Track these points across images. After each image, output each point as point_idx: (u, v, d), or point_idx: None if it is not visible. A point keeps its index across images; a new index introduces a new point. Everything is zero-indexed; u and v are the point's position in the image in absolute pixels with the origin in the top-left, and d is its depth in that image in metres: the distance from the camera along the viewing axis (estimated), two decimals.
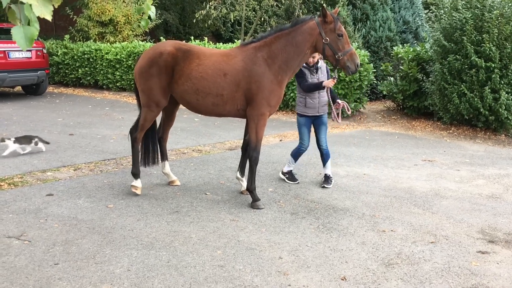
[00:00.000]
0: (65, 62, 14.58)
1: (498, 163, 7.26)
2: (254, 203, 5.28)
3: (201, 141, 8.44)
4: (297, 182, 6.16)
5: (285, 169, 6.27)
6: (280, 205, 5.35)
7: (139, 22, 15.21)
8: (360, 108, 11.04)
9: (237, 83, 5.20)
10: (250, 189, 5.34)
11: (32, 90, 13.24)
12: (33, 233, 4.44)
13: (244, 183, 5.67)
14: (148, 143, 5.93)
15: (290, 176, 6.22)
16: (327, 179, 6.07)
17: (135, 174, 5.64)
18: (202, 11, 14.41)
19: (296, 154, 6.26)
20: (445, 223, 4.89)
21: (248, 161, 5.47)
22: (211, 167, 6.80)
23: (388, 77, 11.47)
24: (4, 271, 3.76)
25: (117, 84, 13.95)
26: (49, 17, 1.96)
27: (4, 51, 11.76)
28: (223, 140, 8.56)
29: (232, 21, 16.60)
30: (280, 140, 8.68)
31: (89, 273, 3.76)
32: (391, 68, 11.20)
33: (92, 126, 9.35)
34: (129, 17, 14.84)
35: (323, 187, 5.96)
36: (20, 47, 1.86)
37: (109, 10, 14.35)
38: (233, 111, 5.39)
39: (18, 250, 4.10)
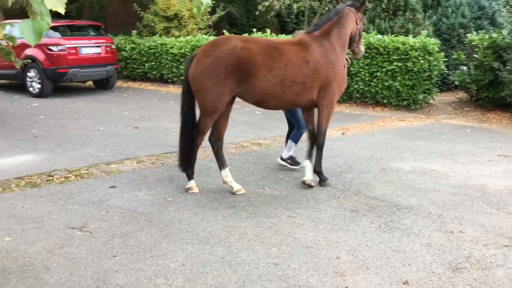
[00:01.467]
0: (133, 57, 15.02)
1: None
2: (324, 182, 5.60)
3: (262, 134, 8.36)
4: (300, 165, 6.05)
5: (286, 155, 6.26)
6: (340, 201, 5.15)
7: (202, 16, 15.37)
8: (429, 99, 10.48)
9: (318, 70, 5.24)
10: (319, 170, 5.61)
11: (102, 85, 13.77)
12: (95, 225, 4.55)
13: (308, 172, 5.58)
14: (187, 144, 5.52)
15: (293, 161, 6.26)
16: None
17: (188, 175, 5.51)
18: (265, 3, 14.28)
19: (298, 138, 6.30)
20: None
21: (316, 146, 5.60)
22: (270, 161, 6.69)
23: (461, 66, 10.79)
24: (66, 261, 3.86)
25: (181, 78, 14.13)
26: (61, 10, 1.90)
27: (76, 47, 12.29)
28: (284, 133, 8.37)
29: (296, 12, 16.33)
30: (343, 134, 8.41)
31: (145, 266, 3.78)
32: (464, 56, 10.52)
33: (156, 120, 9.55)
34: (193, 11, 15.02)
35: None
36: (28, 42, 1.80)
37: (174, 5, 14.60)
38: (307, 101, 5.39)
39: (80, 241, 4.21)
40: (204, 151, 7.26)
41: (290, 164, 6.26)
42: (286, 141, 6.43)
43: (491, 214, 4.74)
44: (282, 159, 6.33)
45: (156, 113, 10.23)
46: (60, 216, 4.75)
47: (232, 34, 6.15)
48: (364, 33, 11.26)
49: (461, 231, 4.35)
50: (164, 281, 3.56)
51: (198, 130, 5.43)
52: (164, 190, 5.49)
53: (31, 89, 12.42)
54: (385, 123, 9.20)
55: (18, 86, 13.81)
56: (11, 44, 6.16)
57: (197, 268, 3.74)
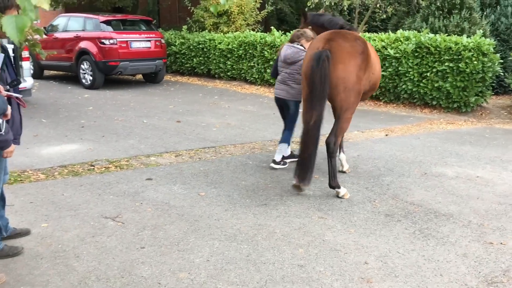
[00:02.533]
0: (182, 52, 15.25)
1: None
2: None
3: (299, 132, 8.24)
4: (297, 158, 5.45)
5: (278, 158, 6.17)
6: (375, 205, 4.99)
7: (252, 11, 15.38)
8: (482, 102, 9.99)
9: None
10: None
11: (151, 78, 14.07)
12: (127, 216, 4.64)
13: (345, 162, 6.05)
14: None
15: (290, 156, 6.29)
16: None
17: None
18: None
19: (290, 139, 6.33)
20: None
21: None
22: None
23: None
24: (96, 250, 3.95)
25: (228, 74, 14.26)
26: (46, 6, 1.89)
27: (127, 41, 12.60)
28: (326, 132, 8.25)
29: (346, 9, 16.03)
30: (386, 135, 8.16)
31: (170, 259, 3.80)
32: None
33: (199, 114, 9.65)
34: (243, 7, 15.05)
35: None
36: (11, 38, 1.80)
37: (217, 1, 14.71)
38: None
39: (111, 231, 4.30)
40: (243, 147, 7.26)
41: (289, 161, 6.21)
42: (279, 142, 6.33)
43: None
44: (276, 162, 6.15)
45: (200, 108, 10.33)
46: (96, 205, 4.87)
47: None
48: (415, 32, 10.90)
49: (501, 243, 4.11)
50: (187, 276, 3.57)
51: (339, 131, 5.12)
52: (198, 185, 5.52)
53: (83, 80, 12.87)
54: (432, 126, 8.85)
55: (72, 77, 14.36)
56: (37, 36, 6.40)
57: (221, 264, 3.73)
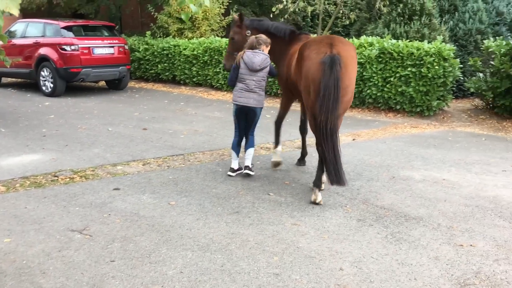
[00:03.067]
0: (146, 58, 15.02)
1: None
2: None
3: (270, 138, 8.20)
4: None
5: (249, 162, 6.11)
6: (346, 210, 5.01)
7: (216, 18, 15.32)
8: (444, 106, 10.25)
9: None
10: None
11: (115, 85, 13.78)
12: (95, 228, 4.48)
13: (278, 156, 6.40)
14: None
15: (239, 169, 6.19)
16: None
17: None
18: (279, 5, 14.17)
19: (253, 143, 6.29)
20: None
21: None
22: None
23: (477, 73, 10.55)
24: (63, 265, 3.79)
25: (193, 80, 14.14)
26: (15, 12, 1.80)
27: (89, 47, 12.31)
28: (293, 138, 8.29)
29: (310, 15, 16.21)
30: (353, 140, 8.26)
31: (142, 273, 3.69)
32: (480, 63, 10.29)
33: (165, 121, 9.50)
34: (207, 13, 14.97)
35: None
36: None
37: (187, 6, 14.56)
38: None
39: (79, 245, 4.14)
40: (212, 154, 7.19)
41: (251, 170, 6.09)
42: (237, 150, 6.19)
43: (503, 228, 4.56)
44: (249, 168, 6.05)
45: (166, 115, 10.18)
46: (61, 218, 4.70)
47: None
48: (378, 38, 11.11)
49: (471, 245, 4.19)
50: None
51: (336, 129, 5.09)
52: (168, 194, 5.41)
53: (44, 88, 12.47)
54: (397, 130, 9.02)
55: (31, 85, 13.90)
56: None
57: (195, 276, 3.65)
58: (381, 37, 11.37)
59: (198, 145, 7.67)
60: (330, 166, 4.95)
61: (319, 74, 4.93)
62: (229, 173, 6.12)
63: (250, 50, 5.83)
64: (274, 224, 4.63)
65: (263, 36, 5.88)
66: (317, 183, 5.25)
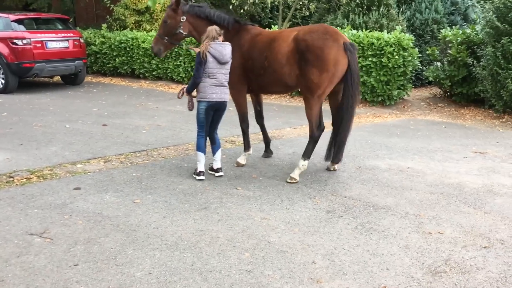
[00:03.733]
0: (103, 52, 14.56)
1: None
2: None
3: (235, 131, 8.13)
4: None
5: (219, 164, 5.84)
6: (315, 201, 4.98)
7: None
8: (404, 95, 10.42)
9: None
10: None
11: (71, 80, 13.29)
12: (56, 230, 4.27)
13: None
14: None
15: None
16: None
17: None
18: None
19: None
20: (499, 225, 4.38)
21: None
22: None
23: (435, 62, 10.77)
24: (22, 271, 3.58)
25: (153, 73, 13.83)
26: None
27: (42, 41, 11.79)
28: (258, 130, 8.18)
29: (269, 7, 16.14)
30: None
31: (108, 276, 3.53)
32: (437, 52, 10.50)
33: (125, 116, 9.22)
34: (166, 5, 14.64)
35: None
36: None
37: None
38: None
39: (39, 249, 3.93)
40: (176, 149, 7.02)
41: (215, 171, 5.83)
42: (205, 151, 5.72)
43: (468, 214, 4.64)
44: (220, 170, 5.81)
45: (127, 110, 9.89)
46: (19, 221, 4.44)
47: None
48: (338, 28, 11.16)
49: (439, 232, 4.24)
50: None
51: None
52: (132, 192, 5.23)
53: None
54: (360, 120, 9.09)
55: None
56: None
57: (164, 277, 3.52)
58: (341, 28, 11.41)
59: (162, 140, 7.48)
60: (342, 144, 5.71)
61: (345, 61, 5.34)
62: (200, 177, 5.60)
63: (215, 42, 5.49)
64: (244, 219, 4.54)
65: (216, 26, 5.55)
66: (308, 155, 5.66)
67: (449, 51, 9.83)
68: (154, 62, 13.60)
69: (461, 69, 9.59)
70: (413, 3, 13.48)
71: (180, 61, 13.06)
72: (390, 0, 12.41)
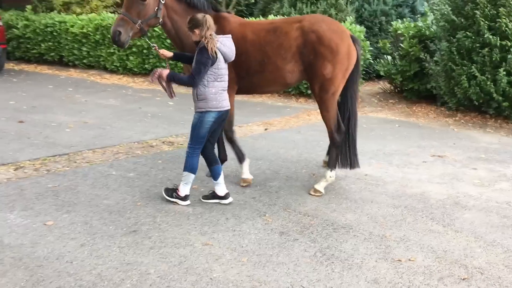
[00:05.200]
0: (27, 36, 13.13)
1: None
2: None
3: (174, 130, 7.28)
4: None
5: (224, 190, 4.61)
6: (266, 220, 4.27)
7: None
8: None
9: None
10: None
11: None
12: None
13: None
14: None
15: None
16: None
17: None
18: None
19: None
20: (474, 247, 3.86)
21: None
22: (183, 165, 5.65)
23: (385, 56, 10.34)
24: None
25: (84, 61, 12.61)
26: None
27: None
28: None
29: None
30: (266, 129, 7.56)
31: None
32: (389, 45, 10.07)
33: (48, 111, 8.10)
34: None
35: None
36: None
37: None
38: None
39: None
40: (104, 152, 6.09)
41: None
42: (216, 173, 4.62)
43: (438, 233, 4.09)
44: (221, 197, 4.63)
45: (50, 103, 8.74)
46: None
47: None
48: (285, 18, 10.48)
49: (410, 259, 3.65)
50: None
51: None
52: (45, 210, 4.29)
53: None
54: (310, 117, 8.49)
55: None
56: None
57: None
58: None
59: (88, 141, 6.50)
60: (356, 149, 5.26)
61: (355, 53, 4.97)
62: (185, 203, 4.51)
63: (219, 35, 4.35)
64: (181, 245, 3.75)
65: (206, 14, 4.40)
66: (334, 165, 5.10)
67: (401, 45, 9.40)
68: (84, 49, 12.39)
69: (413, 64, 9.20)
70: None
71: (114, 49, 11.93)
72: None
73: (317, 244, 3.84)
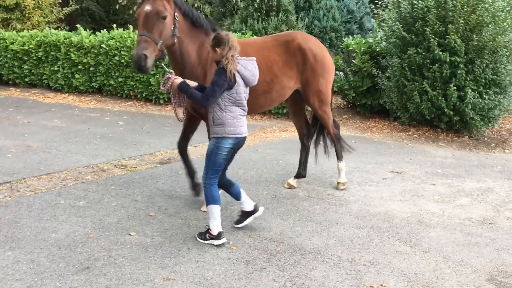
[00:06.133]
0: None
1: (473, 172, 6.36)
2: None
3: (126, 152, 6.92)
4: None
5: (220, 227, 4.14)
6: (230, 248, 4.04)
7: (52, 7, 13.22)
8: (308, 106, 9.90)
9: None
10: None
11: None
12: None
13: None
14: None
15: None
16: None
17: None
18: None
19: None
20: (444, 268, 3.80)
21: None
22: (138, 190, 5.34)
23: (337, 72, 10.41)
24: None
25: (26, 80, 11.95)
26: None
27: None
28: (153, 150, 7.09)
29: None
30: None
31: None
32: (341, 61, 10.16)
33: None
34: (40, 1, 12.79)
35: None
36: None
37: None
38: None
39: None
40: (50, 179, 5.67)
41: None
42: (236, 192, 4.37)
43: (407, 255, 4.01)
44: (250, 211, 4.41)
45: None
46: None
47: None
48: (239, 34, 10.38)
49: (382, 285, 3.53)
50: None
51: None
52: None
53: None
54: (267, 135, 8.35)
55: None
56: None
57: None
58: (242, 34, 10.66)
59: (32, 166, 6.04)
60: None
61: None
62: (221, 241, 4.05)
63: (242, 57, 4.07)
64: (140, 282, 3.46)
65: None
66: (341, 155, 5.66)
67: (353, 61, 9.49)
68: (26, 66, 11.75)
69: (365, 79, 9.30)
70: (311, 10, 13.20)
71: (59, 66, 11.39)
72: (288, 6, 11.97)
73: (286, 273, 3.66)
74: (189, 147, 7.29)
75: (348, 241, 4.24)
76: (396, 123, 8.96)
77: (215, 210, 4.07)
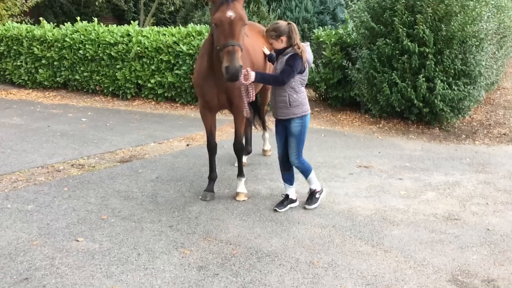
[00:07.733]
0: None
1: (441, 165, 6.25)
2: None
3: (86, 150, 6.63)
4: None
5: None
6: (183, 253, 3.83)
7: (15, 0, 12.74)
8: None
9: None
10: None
11: None
12: None
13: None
14: None
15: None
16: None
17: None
18: None
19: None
20: (405, 269, 3.65)
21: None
22: (92, 191, 5.09)
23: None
24: None
25: None
26: None
27: None
28: (114, 148, 6.81)
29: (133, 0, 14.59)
30: (188, 145, 7.11)
31: None
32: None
33: None
34: None
35: (304, 207, 4.76)
36: None
37: None
38: None
39: None
40: (0, 180, 5.36)
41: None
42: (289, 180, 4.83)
43: (367, 255, 3.85)
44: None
45: None
46: None
47: None
48: (207, 26, 10.10)
49: None
50: None
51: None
52: None
53: None
54: (233, 130, 8.10)
55: None
56: None
57: None
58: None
59: None
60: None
61: None
62: (323, 194, 4.88)
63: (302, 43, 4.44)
64: None
65: None
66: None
67: (323, 53, 9.30)
68: None
69: (336, 71, 9.12)
70: (283, 1, 12.97)
71: (21, 61, 10.98)
72: None
73: (239, 279, 3.46)
74: (153, 144, 7.11)
75: (308, 242, 4.07)
76: (367, 116, 8.81)
77: (313, 175, 4.74)
